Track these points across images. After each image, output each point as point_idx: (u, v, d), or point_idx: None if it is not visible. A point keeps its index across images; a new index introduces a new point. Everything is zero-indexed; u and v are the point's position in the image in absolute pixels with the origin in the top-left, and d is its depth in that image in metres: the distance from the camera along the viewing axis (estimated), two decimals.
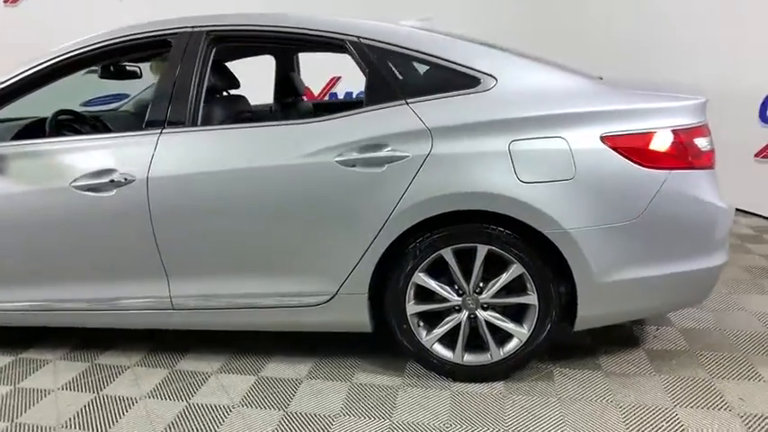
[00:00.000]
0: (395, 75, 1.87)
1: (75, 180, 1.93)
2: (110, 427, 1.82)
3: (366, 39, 1.90)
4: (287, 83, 3.03)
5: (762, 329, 2.25)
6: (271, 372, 2.11)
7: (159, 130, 1.94)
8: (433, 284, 1.89)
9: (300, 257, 1.91)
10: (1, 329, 2.30)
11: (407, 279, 1.88)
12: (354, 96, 6.03)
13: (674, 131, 1.73)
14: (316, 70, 5.18)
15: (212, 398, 1.96)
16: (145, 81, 3.23)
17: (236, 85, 2.39)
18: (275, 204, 1.86)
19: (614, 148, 1.71)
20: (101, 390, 2.04)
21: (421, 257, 1.85)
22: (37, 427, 1.83)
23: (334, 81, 6.17)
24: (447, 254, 1.84)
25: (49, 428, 1.82)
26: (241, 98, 2.52)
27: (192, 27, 2.00)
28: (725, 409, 1.75)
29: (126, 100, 3.37)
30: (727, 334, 2.22)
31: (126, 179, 1.90)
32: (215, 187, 1.88)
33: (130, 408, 1.92)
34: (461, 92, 1.82)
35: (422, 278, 1.88)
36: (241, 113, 2.44)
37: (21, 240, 2.03)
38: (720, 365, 2.00)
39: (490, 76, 1.82)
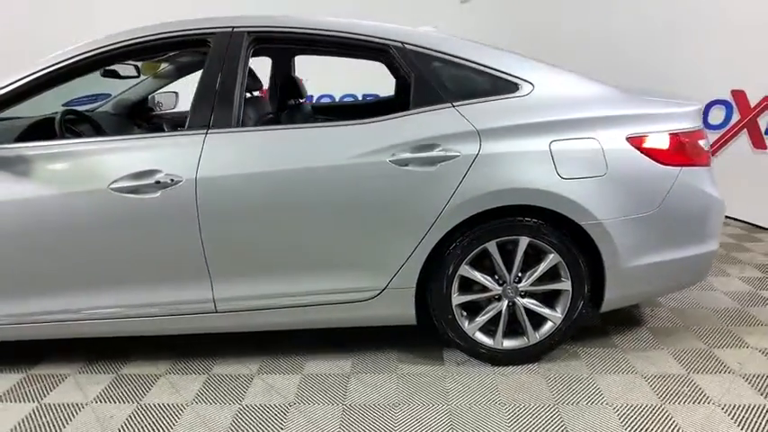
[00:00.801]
0: (439, 79, 1.98)
1: (114, 182, 1.86)
2: None
3: (410, 45, 2.00)
4: (290, 85, 3.04)
5: (733, 305, 2.60)
6: (221, 369, 2.15)
7: (205, 131, 1.91)
8: (477, 276, 2.02)
9: (351, 255, 1.97)
10: None
11: (454, 271, 2.00)
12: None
13: (684, 133, 1.99)
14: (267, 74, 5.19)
15: (163, 397, 1.97)
16: (125, 82, 3.12)
17: (261, 86, 2.38)
18: (327, 204, 1.90)
19: (637, 148, 1.94)
20: (41, 398, 1.98)
21: (467, 251, 1.97)
22: None
23: (300, 83, 6.13)
24: (492, 246, 1.98)
25: None
26: (262, 99, 2.51)
27: (233, 27, 1.99)
28: (729, 373, 2.03)
29: (106, 100, 3.19)
30: (708, 311, 2.55)
31: (172, 180, 1.86)
32: (266, 188, 1.88)
33: (77, 413, 1.89)
34: (502, 96, 1.98)
35: (467, 270, 2.00)
36: (265, 115, 2.43)
37: (51, 247, 1.90)
38: (713, 337, 2.30)
39: (528, 82, 1.99)
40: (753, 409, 1.82)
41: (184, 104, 3.29)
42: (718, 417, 1.78)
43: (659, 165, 1.96)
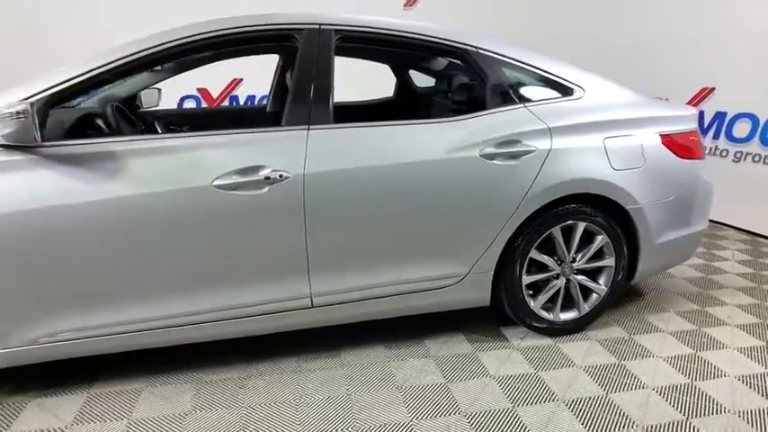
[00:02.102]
0: (511, 82, 2.20)
1: (217, 178, 1.79)
2: None
3: (484, 49, 2.19)
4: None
5: (695, 289, 3.13)
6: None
7: (306, 126, 1.92)
8: (544, 258, 2.27)
9: (441, 243, 2.10)
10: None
11: (525, 255, 2.23)
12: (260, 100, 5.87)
13: (692, 132, 2.43)
14: (215, 71, 5.10)
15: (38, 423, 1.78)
16: None
17: None
18: (425, 196, 2.02)
19: (665, 144, 2.34)
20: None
21: (536, 236, 2.22)
22: None
23: (236, 83, 5.96)
24: (556, 231, 2.24)
25: None
26: None
27: (320, 24, 2.02)
28: (724, 325, 2.52)
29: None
30: (685, 291, 3.08)
31: (281, 176, 1.84)
32: (367, 183, 1.94)
33: None
34: (562, 98, 2.25)
35: (536, 253, 2.25)
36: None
37: (148, 250, 1.77)
38: (705, 302, 2.81)
39: (580, 87, 2.29)
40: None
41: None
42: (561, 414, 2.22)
43: (678, 158, 2.37)
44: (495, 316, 2.47)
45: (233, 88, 5.92)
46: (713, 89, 4.21)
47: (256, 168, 1.83)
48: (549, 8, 5.50)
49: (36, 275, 1.70)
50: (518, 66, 2.23)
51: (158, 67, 2.26)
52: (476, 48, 2.18)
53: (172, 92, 5.26)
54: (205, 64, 2.42)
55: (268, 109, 3.20)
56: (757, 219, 4.02)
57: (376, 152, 1.97)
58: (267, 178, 1.83)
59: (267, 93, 3.28)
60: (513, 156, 2.10)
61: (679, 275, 3.13)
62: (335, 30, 2.03)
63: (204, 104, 5.80)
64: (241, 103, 5.91)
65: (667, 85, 4.44)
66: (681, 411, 1.87)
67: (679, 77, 4.38)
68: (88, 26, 4.80)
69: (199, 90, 5.76)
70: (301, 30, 2.00)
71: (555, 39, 4.75)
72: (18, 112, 1.51)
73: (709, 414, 1.86)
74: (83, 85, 1.75)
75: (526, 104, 2.19)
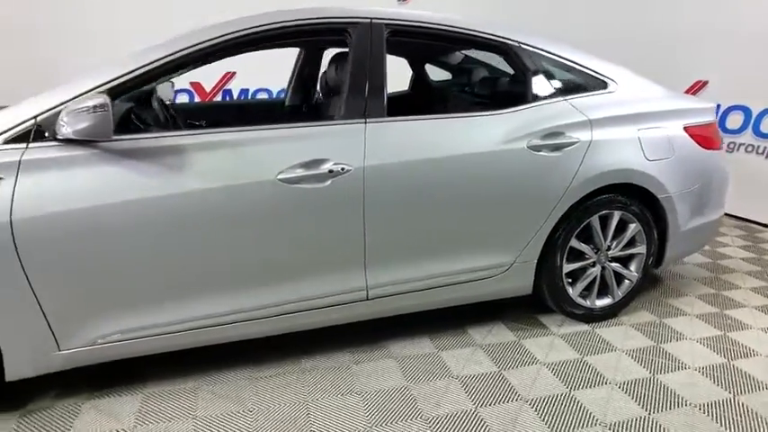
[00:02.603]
0: (552, 76, 2.26)
1: (281, 172, 1.78)
2: None
3: (525, 44, 2.24)
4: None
5: (708, 274, 3.27)
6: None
7: (363, 120, 1.92)
8: (583, 246, 2.34)
9: (491, 234, 2.15)
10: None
11: (565, 244, 2.30)
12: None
13: (712, 124, 2.55)
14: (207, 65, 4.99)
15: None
16: None
17: None
18: (476, 188, 2.05)
19: (690, 135, 2.44)
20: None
21: (576, 225, 2.29)
22: None
23: (229, 77, 5.86)
24: (594, 220, 2.32)
25: None
26: None
27: (371, 19, 2.02)
28: (743, 307, 2.66)
29: None
30: (698, 276, 3.22)
31: (343, 169, 1.84)
32: (423, 175, 1.97)
33: None
34: (598, 92, 2.32)
35: (575, 242, 2.32)
36: None
37: (210, 245, 1.74)
38: (720, 286, 2.95)
39: (613, 80, 2.37)
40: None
41: None
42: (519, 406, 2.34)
43: (702, 148, 2.48)
44: (531, 304, 2.54)
45: (226, 82, 5.83)
46: (707, 82, 4.39)
47: (320, 162, 1.83)
48: (541, 1, 5.61)
49: (99, 275, 1.66)
50: (556, 60, 2.29)
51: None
52: (518, 42, 2.23)
53: (164, 85, 5.12)
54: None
55: (287, 103, 3.18)
56: (749, 206, 4.23)
57: (429, 145, 1.99)
58: (330, 171, 1.83)
59: (285, 86, 3.26)
60: (557, 147, 2.15)
61: (689, 261, 3.27)
62: (386, 24, 2.04)
63: (197, 99, 5.70)
64: (234, 96, 5.85)
65: (662, 78, 4.62)
66: (726, 389, 1.97)
67: (673, 71, 4.54)
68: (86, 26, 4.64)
69: (192, 84, 5.65)
70: (355, 24, 2.00)
71: (547, 31, 4.86)
72: (96, 106, 1.47)
73: (752, 391, 1.97)
74: (139, 79, 1.71)
75: (566, 98, 2.25)
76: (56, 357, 1.71)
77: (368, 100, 1.95)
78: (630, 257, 2.49)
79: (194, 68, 1.86)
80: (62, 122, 1.51)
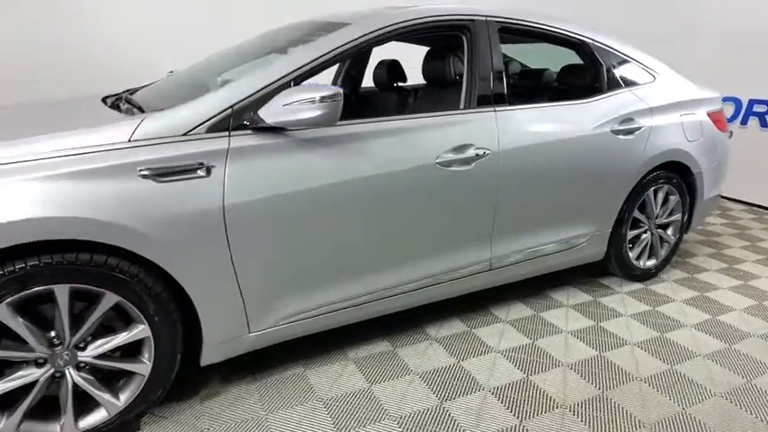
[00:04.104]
0: (618, 69, 2.61)
1: (437, 156, 1.96)
2: None
3: (598, 42, 2.57)
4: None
5: (708, 250, 3.85)
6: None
7: (493, 108, 2.15)
8: (641, 216, 2.74)
9: (585, 206, 2.47)
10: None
11: (630, 214, 2.68)
12: None
13: (722, 110, 3.06)
14: (198, 56, 5.00)
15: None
16: None
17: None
18: (579, 166, 2.36)
19: (712, 120, 2.93)
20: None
21: (638, 198, 2.68)
22: None
23: None
24: (650, 193, 2.73)
25: None
26: None
27: (486, 17, 2.23)
28: (759, 278, 3.23)
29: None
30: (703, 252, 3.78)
31: (484, 153, 2.06)
32: (541, 156, 2.23)
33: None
34: (648, 82, 2.72)
35: (637, 213, 2.71)
36: None
37: (384, 226, 1.88)
38: (727, 260, 3.51)
39: (657, 72, 2.78)
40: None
41: None
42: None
43: (719, 131, 2.98)
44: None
45: None
46: None
47: (466, 146, 2.03)
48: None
49: (292, 257, 1.75)
50: (619, 55, 2.65)
51: None
52: (592, 40, 2.55)
53: (151, 75, 5.02)
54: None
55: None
56: None
57: (544, 129, 2.26)
58: (477, 155, 2.03)
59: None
60: (630, 131, 2.52)
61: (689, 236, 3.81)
62: (496, 21, 2.26)
63: None
64: None
65: None
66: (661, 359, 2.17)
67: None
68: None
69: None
70: (473, 21, 2.20)
71: None
72: (331, 96, 1.56)
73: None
74: (319, 67, 1.80)
75: (630, 88, 2.62)
76: (244, 340, 1.77)
77: (494, 88, 2.17)
78: (668, 224, 2.94)
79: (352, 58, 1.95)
80: (280, 111, 1.59)
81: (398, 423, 1.75)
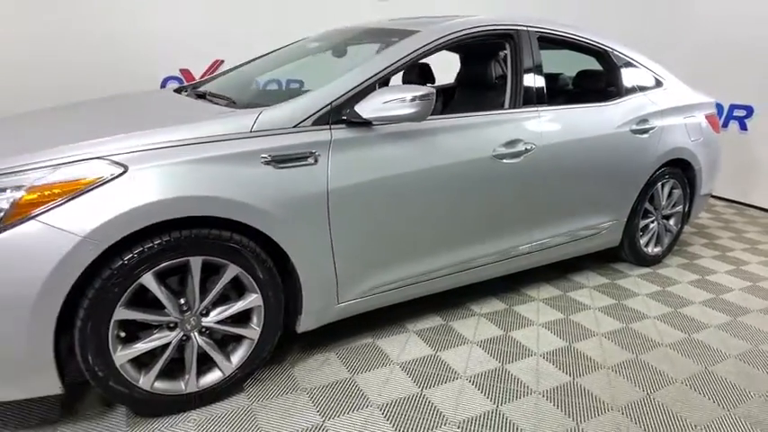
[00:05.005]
0: (632, 74, 2.94)
1: (494, 150, 2.22)
2: None
3: (616, 50, 2.88)
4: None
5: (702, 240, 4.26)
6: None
7: (536, 108, 2.42)
8: (650, 207, 3.08)
9: (607, 197, 2.78)
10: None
11: (642, 204, 3.01)
12: None
13: (716, 113, 3.43)
14: (196, 52, 5.08)
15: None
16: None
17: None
18: (606, 161, 2.67)
19: (708, 122, 3.29)
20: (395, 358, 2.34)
21: (649, 190, 3.01)
22: None
23: (218, 64, 5.88)
24: (659, 187, 3.06)
25: None
26: None
27: (528, 27, 2.51)
28: (749, 264, 3.61)
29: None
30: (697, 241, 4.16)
31: (531, 147, 2.33)
32: (574, 151, 2.53)
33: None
34: (657, 88, 3.05)
35: (647, 204, 3.04)
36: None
37: (451, 210, 2.14)
38: (719, 247, 3.90)
39: (664, 78, 3.12)
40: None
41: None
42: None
43: (714, 132, 3.35)
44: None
45: (215, 69, 5.82)
46: None
47: (516, 142, 2.30)
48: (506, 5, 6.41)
49: (381, 234, 1.99)
50: (634, 62, 2.97)
51: None
52: (611, 49, 2.87)
53: (154, 73, 5.19)
54: None
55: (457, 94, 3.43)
56: None
57: (578, 128, 2.56)
58: (525, 149, 2.31)
59: None
60: (645, 131, 2.84)
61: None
62: (536, 31, 2.54)
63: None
64: None
65: None
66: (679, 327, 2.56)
67: None
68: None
69: (181, 71, 5.56)
70: (518, 30, 2.47)
71: None
72: (424, 95, 1.80)
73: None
74: (399, 69, 2.04)
75: (644, 92, 2.95)
76: (334, 310, 2.00)
77: (536, 91, 2.45)
78: (671, 215, 3.29)
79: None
80: (378, 107, 1.82)
81: (382, 410, 1.81)
